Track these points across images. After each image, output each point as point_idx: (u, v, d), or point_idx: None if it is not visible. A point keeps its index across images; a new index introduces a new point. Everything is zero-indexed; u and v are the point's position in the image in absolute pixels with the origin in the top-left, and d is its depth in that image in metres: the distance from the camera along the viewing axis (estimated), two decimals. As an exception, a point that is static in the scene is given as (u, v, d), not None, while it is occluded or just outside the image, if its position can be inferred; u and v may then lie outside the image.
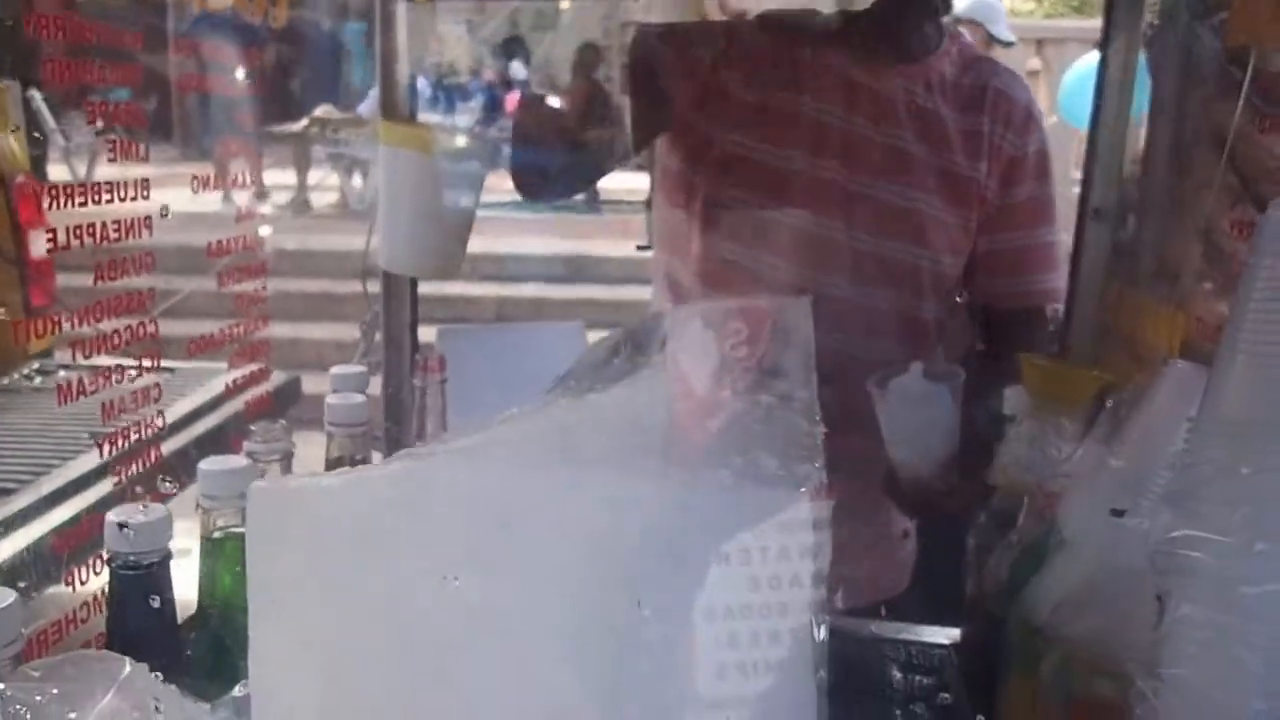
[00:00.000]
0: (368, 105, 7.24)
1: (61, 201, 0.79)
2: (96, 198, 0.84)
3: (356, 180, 6.92)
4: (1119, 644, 0.78)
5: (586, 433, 0.57)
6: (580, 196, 8.28)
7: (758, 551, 0.51)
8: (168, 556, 0.74)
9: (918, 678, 1.22)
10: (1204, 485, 0.62)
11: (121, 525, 0.73)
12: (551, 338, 3.55)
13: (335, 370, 1.13)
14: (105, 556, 0.73)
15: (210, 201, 1.12)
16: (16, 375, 2.37)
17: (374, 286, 1.45)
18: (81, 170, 1.03)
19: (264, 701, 0.53)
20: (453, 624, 0.48)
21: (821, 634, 0.55)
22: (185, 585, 0.79)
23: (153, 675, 0.55)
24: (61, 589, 0.88)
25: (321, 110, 6.99)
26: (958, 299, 1.52)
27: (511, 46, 9.77)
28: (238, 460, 0.85)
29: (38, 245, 2.93)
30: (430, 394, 1.20)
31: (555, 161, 1.34)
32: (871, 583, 1.53)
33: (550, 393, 0.94)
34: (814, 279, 1.39)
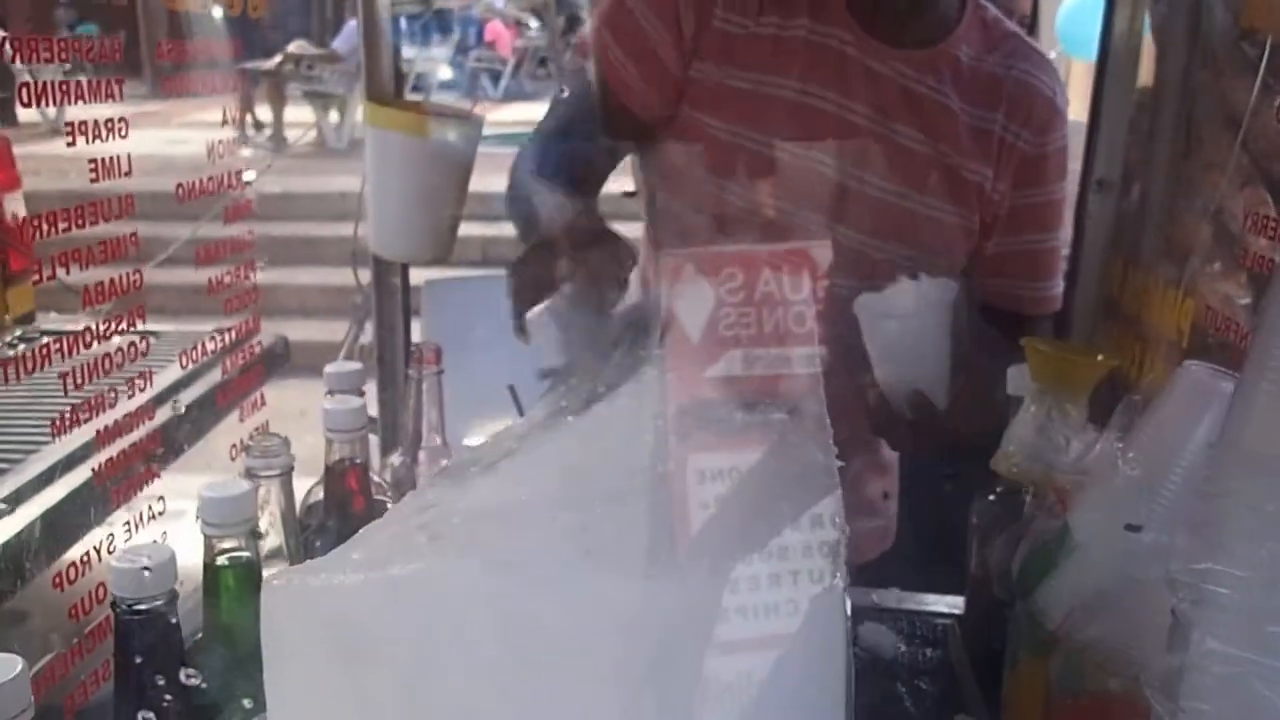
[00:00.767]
0: (343, 40, 7.08)
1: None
2: (72, 140, 0.80)
3: (333, 117, 6.79)
4: (1131, 653, 0.78)
5: (598, 490, 0.55)
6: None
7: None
8: (174, 598, 0.73)
9: (924, 650, 1.24)
10: (1228, 518, 0.61)
11: (126, 569, 0.71)
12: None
13: (330, 369, 1.11)
14: (110, 600, 0.72)
15: (182, 140, 1.06)
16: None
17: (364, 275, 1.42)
18: (51, 113, 0.98)
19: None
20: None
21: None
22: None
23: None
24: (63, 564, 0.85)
25: (295, 46, 6.83)
26: None
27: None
28: (238, 485, 0.83)
29: (13, 207, 2.87)
30: (427, 386, 1.18)
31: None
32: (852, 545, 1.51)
33: (550, 394, 0.93)
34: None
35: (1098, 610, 0.81)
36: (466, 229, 1.35)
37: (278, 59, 6.69)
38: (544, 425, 0.78)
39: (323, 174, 6.16)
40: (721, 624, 0.47)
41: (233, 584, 0.82)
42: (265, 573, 0.85)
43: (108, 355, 0.83)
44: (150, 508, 0.91)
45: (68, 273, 0.77)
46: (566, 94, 1.41)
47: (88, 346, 0.80)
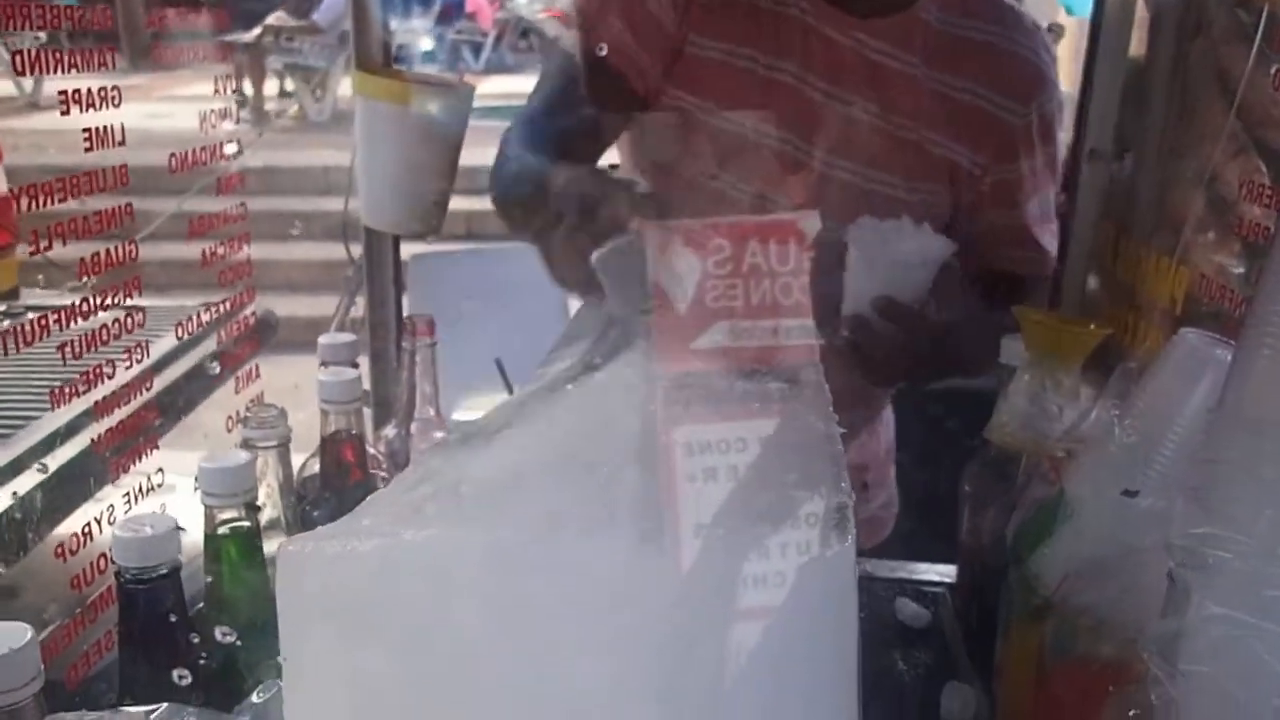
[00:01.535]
0: (324, 13, 7.00)
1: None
2: (66, 109, 0.78)
3: (315, 91, 6.73)
4: (1126, 618, 0.79)
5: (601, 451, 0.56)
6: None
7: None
8: (177, 567, 0.73)
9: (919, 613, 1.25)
10: (1227, 484, 0.62)
11: (129, 538, 0.71)
12: (522, 259, 3.52)
13: (324, 340, 1.10)
14: (114, 570, 0.72)
15: (164, 114, 1.04)
16: (-19, 317, 2.31)
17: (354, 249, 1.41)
18: (28, 85, 0.96)
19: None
20: (488, 688, 0.47)
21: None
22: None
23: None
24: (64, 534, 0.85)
25: (274, 18, 6.75)
26: None
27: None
28: (237, 455, 0.83)
29: (-6, 181, 2.84)
30: (420, 357, 1.18)
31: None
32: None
33: (544, 367, 0.93)
34: None
35: (1093, 576, 0.82)
36: (452, 203, 1.33)
37: (257, 31, 6.62)
38: (542, 396, 0.78)
39: (305, 148, 6.11)
40: (730, 591, 0.48)
41: (234, 554, 0.82)
42: (265, 544, 0.86)
43: (105, 327, 0.82)
44: (149, 479, 0.91)
45: (64, 244, 0.77)
46: (551, 71, 1.37)
47: (85, 318, 0.80)
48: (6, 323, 2.25)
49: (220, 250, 1.10)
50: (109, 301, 0.84)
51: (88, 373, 0.82)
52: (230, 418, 1.07)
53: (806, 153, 1.24)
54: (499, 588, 0.48)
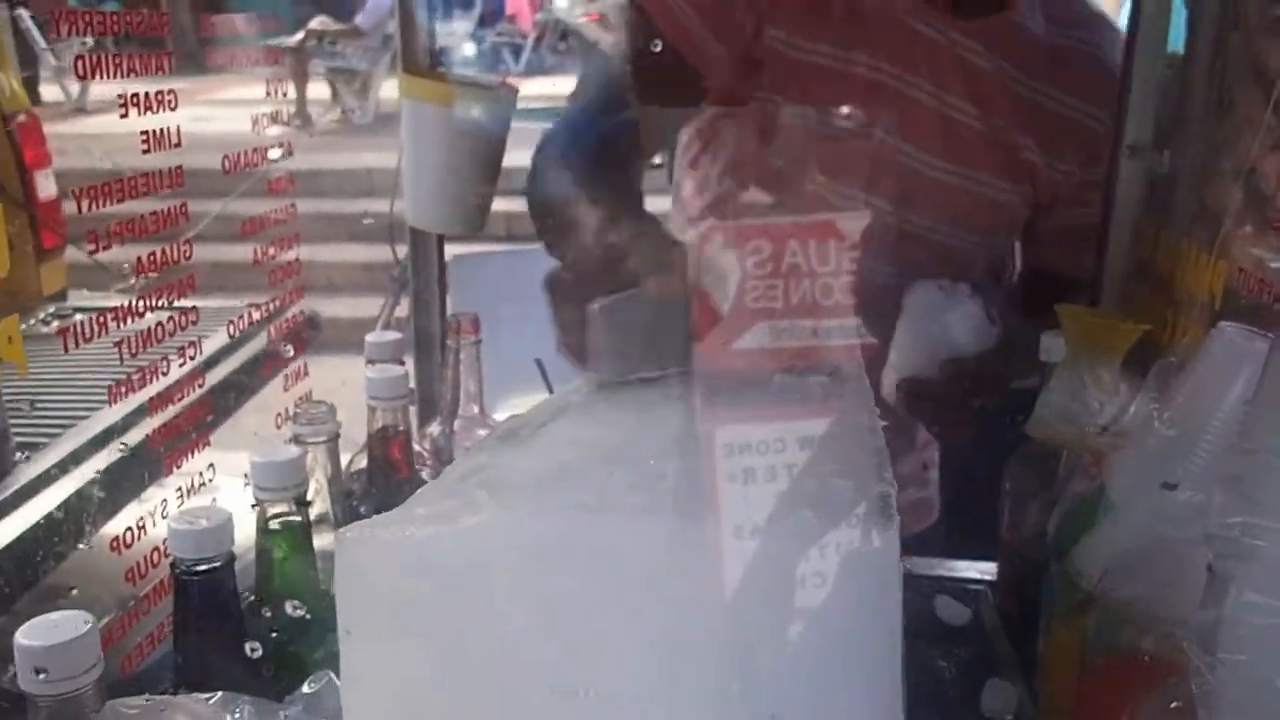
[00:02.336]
0: (366, 16, 7.08)
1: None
2: (125, 112, 0.81)
3: (358, 93, 6.81)
4: (1167, 611, 0.79)
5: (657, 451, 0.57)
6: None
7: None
8: (231, 559, 0.75)
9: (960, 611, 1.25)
10: (1264, 473, 0.62)
11: (185, 530, 0.74)
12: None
13: (371, 338, 1.13)
14: (169, 561, 0.74)
15: (207, 118, 1.07)
16: (33, 320, 2.36)
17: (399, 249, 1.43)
18: (74, 90, 0.98)
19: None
20: (544, 677, 0.49)
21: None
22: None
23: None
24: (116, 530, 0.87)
25: (317, 22, 6.84)
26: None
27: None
28: (288, 450, 0.85)
29: (45, 186, 2.90)
30: (465, 355, 1.20)
31: None
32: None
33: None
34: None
35: (1133, 569, 0.82)
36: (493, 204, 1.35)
37: (300, 35, 6.71)
38: (588, 394, 0.80)
39: (349, 150, 6.18)
40: (776, 585, 0.49)
41: (286, 547, 0.85)
42: (314, 538, 0.88)
43: (160, 324, 0.85)
44: (201, 474, 0.94)
45: (121, 245, 0.79)
46: (591, 75, 1.37)
47: (140, 317, 0.82)
48: (56, 323, 2.31)
49: (270, 251, 1.12)
50: (160, 302, 0.87)
51: (143, 370, 0.84)
52: (279, 415, 1.10)
53: (898, 149, 1.25)
54: (548, 574, 0.49)
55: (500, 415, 1.27)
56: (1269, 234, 0.99)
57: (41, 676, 0.59)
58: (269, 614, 0.84)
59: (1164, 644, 0.82)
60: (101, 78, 0.75)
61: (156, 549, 0.86)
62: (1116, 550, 0.83)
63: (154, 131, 0.81)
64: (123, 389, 0.83)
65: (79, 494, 0.99)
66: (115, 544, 0.83)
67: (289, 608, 0.84)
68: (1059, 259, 1.36)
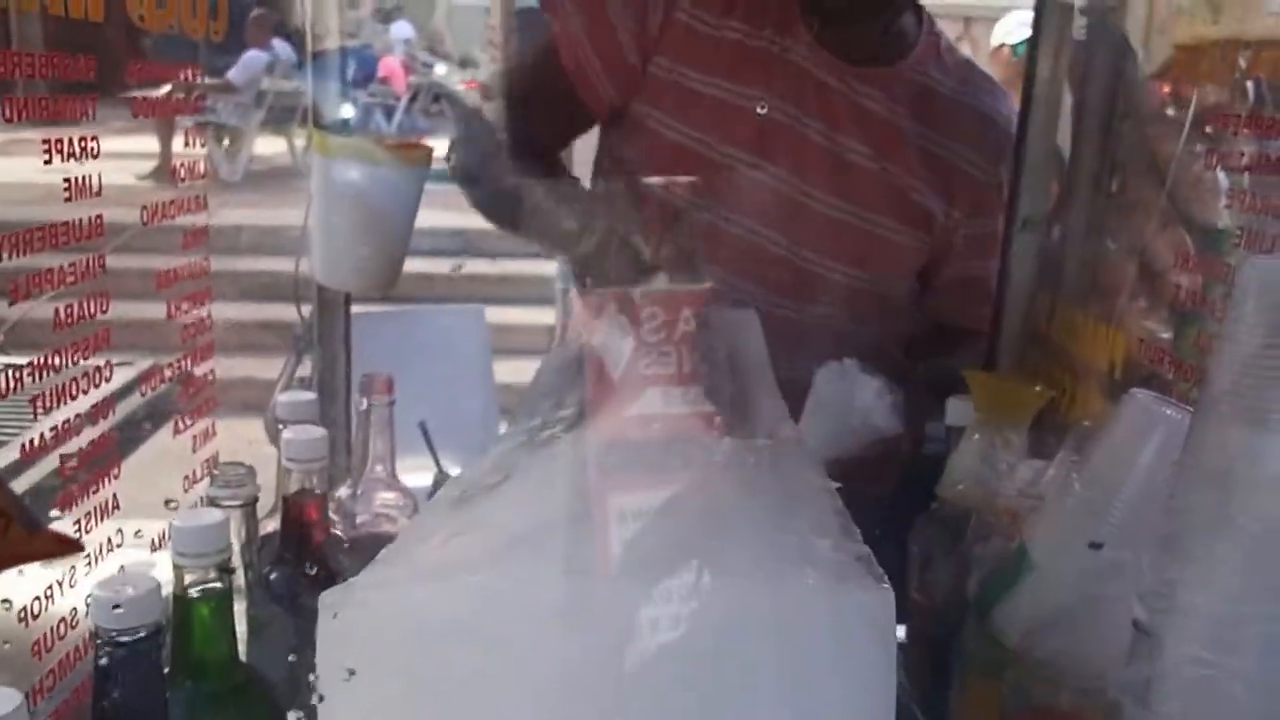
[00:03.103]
0: (239, 71, 6.92)
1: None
2: (49, 159, 0.76)
3: (225, 149, 6.63)
4: (1087, 667, 0.82)
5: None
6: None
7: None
8: (159, 630, 0.71)
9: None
10: (1194, 532, 0.66)
11: (109, 602, 0.69)
12: (454, 319, 3.52)
13: (283, 399, 1.09)
14: (89, 632, 0.70)
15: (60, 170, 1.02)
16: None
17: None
18: None
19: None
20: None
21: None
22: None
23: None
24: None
25: (184, 74, 6.63)
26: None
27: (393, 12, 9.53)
28: (210, 514, 0.81)
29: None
30: (376, 416, 1.17)
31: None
32: None
33: (523, 418, 0.94)
34: (753, 293, 1.28)
35: (1055, 626, 0.85)
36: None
37: (166, 88, 6.50)
38: (531, 449, 0.79)
39: (216, 208, 5.99)
40: (766, 638, 0.49)
41: (207, 617, 0.80)
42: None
43: (74, 380, 0.80)
44: (110, 540, 0.89)
45: (41, 293, 0.75)
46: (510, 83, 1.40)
47: (55, 373, 0.78)
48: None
49: (183, 306, 1.08)
50: (76, 357, 0.83)
51: (56, 429, 0.80)
52: (187, 478, 1.05)
53: (789, 184, 1.29)
54: (545, 635, 0.48)
55: (405, 477, 1.25)
56: (1160, 308, 1.06)
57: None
58: (187, 686, 0.79)
59: (1081, 700, 0.85)
60: (27, 119, 0.72)
61: (64, 619, 0.80)
62: (1039, 608, 0.86)
63: (75, 180, 0.77)
64: (35, 447, 0.78)
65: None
66: (22, 614, 0.77)
67: (208, 682, 0.79)
68: (953, 312, 1.43)
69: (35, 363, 0.76)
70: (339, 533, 1.15)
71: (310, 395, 1.09)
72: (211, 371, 1.06)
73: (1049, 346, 1.22)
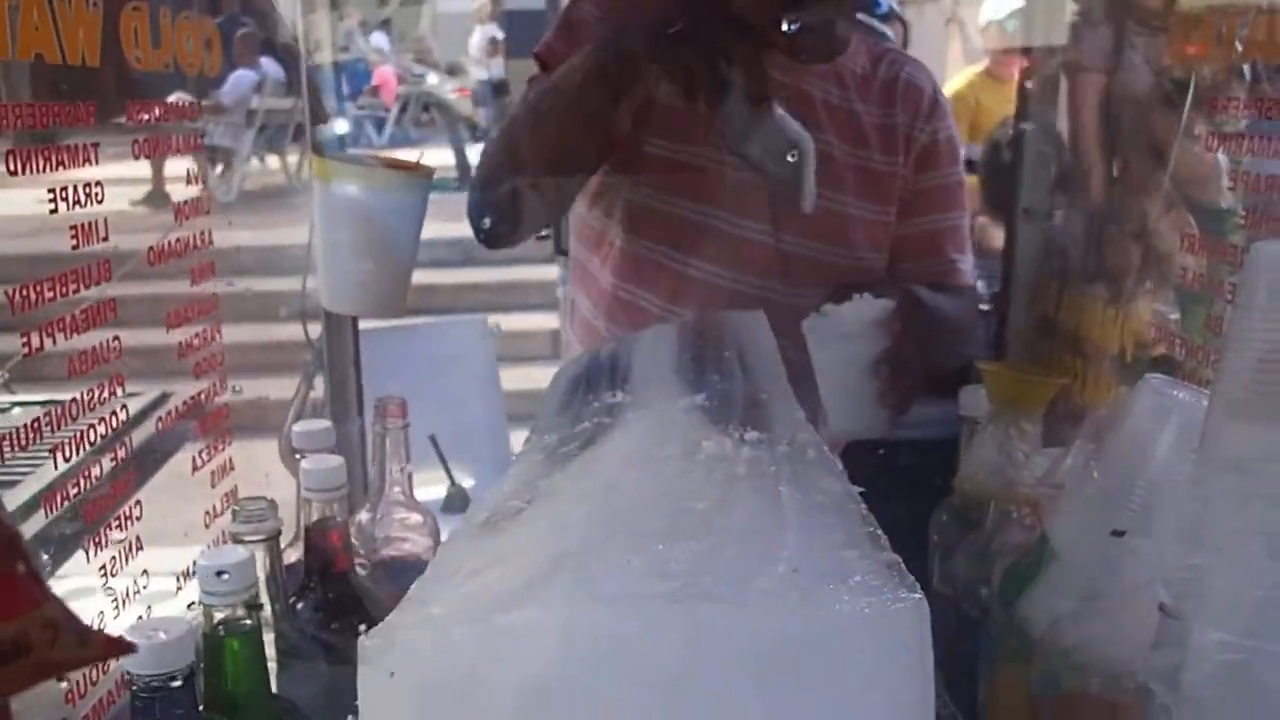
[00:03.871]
0: (228, 91, 6.90)
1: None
2: (55, 207, 0.77)
3: (219, 171, 6.62)
4: (1114, 654, 0.83)
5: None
6: (454, 175, 8.12)
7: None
8: (193, 673, 0.71)
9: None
10: (1215, 518, 0.66)
11: (141, 644, 0.69)
12: (458, 331, 3.52)
13: (299, 428, 1.09)
14: (121, 675, 0.70)
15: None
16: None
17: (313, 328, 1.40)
18: None
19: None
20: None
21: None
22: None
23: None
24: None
25: (175, 97, 6.63)
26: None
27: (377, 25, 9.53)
28: (235, 552, 0.82)
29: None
30: (392, 440, 1.17)
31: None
32: None
33: (537, 438, 0.94)
34: (743, 282, 1.38)
35: (1080, 614, 0.85)
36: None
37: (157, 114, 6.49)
38: (550, 472, 0.79)
39: (215, 229, 5.98)
40: (809, 648, 0.49)
41: (238, 655, 0.81)
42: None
43: (91, 426, 0.81)
44: (135, 582, 0.89)
45: (53, 343, 0.75)
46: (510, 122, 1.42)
47: (73, 420, 0.78)
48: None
49: (196, 338, 1.08)
50: (93, 398, 0.83)
51: (76, 477, 0.80)
52: (208, 513, 1.05)
53: None
54: (601, 660, 0.49)
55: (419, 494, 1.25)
56: (1166, 289, 1.06)
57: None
58: (219, 724, 0.79)
59: (1111, 685, 0.85)
60: (34, 171, 0.72)
61: (96, 665, 0.81)
62: (1063, 597, 0.87)
63: (82, 225, 0.78)
64: (56, 495, 0.78)
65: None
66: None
67: (244, 717, 0.80)
68: (916, 269, 1.48)
69: (53, 412, 0.76)
70: (362, 557, 1.16)
71: (325, 423, 1.09)
72: (226, 405, 1.06)
73: (1058, 333, 1.22)
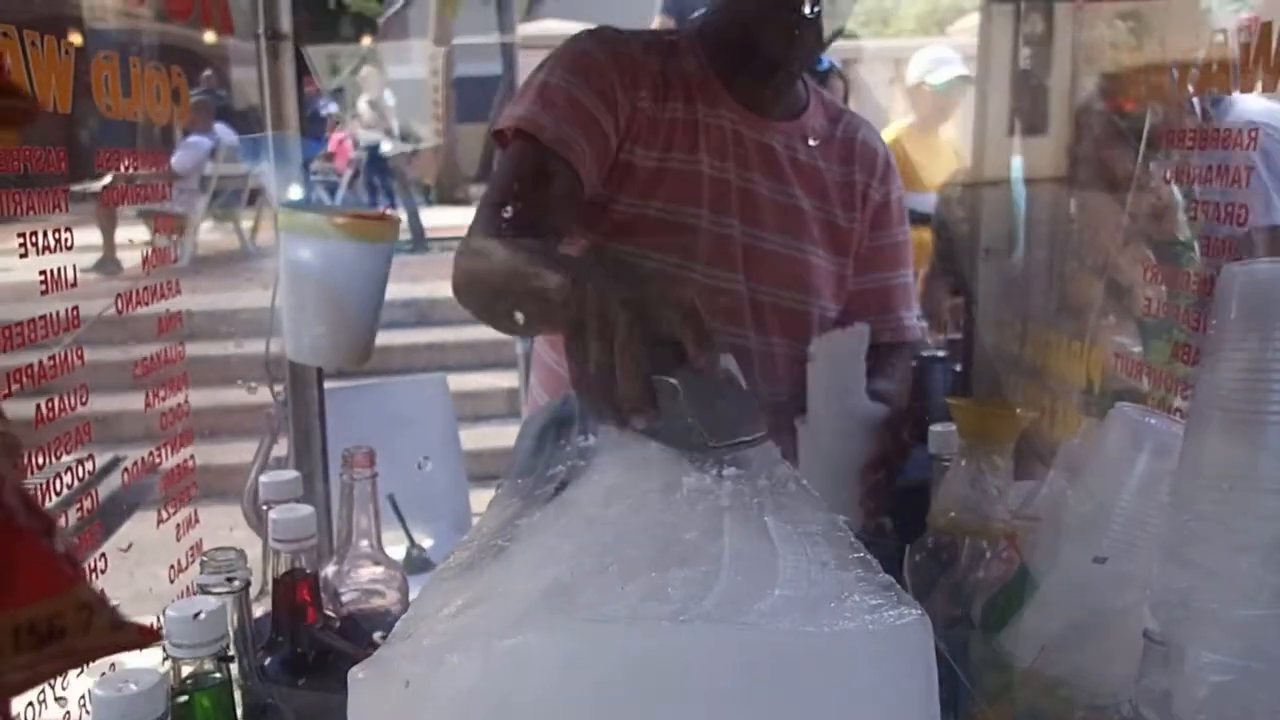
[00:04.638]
0: (182, 157, 6.87)
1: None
2: (25, 252, 0.75)
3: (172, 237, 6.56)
4: (1098, 683, 0.82)
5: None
6: (408, 235, 8.11)
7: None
8: (164, 725, 0.69)
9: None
10: (1199, 539, 0.67)
11: (111, 698, 0.67)
12: (418, 389, 3.49)
13: (266, 479, 1.07)
14: (91, 733, 0.67)
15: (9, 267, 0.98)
16: None
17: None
18: None
19: None
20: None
21: None
22: None
23: None
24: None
25: (127, 163, 6.58)
26: None
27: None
28: (204, 602, 0.79)
29: None
30: (359, 491, 1.15)
31: None
32: None
33: (503, 490, 0.92)
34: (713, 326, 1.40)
35: (1064, 644, 0.85)
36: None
37: (108, 179, 6.44)
38: (527, 514, 0.78)
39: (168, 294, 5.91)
40: (813, 671, 0.48)
41: (209, 709, 0.78)
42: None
43: (58, 476, 0.78)
44: (100, 638, 0.86)
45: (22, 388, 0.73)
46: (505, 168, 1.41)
47: (39, 470, 0.76)
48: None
49: (161, 395, 1.06)
50: (58, 453, 0.81)
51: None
52: (173, 567, 1.02)
53: (744, 233, 1.43)
54: (600, 685, 0.47)
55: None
56: (1129, 323, 1.08)
57: None
58: (193, 786, 0.76)
59: (1096, 716, 0.85)
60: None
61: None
62: (1046, 627, 0.86)
63: (50, 272, 0.76)
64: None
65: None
66: (15, 721, 0.74)
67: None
68: (880, 326, 1.51)
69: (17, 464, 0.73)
70: (330, 611, 1.13)
71: (293, 473, 1.07)
72: (191, 457, 1.03)
73: (1024, 368, 1.23)
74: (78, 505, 0.83)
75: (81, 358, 0.81)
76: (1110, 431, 0.86)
